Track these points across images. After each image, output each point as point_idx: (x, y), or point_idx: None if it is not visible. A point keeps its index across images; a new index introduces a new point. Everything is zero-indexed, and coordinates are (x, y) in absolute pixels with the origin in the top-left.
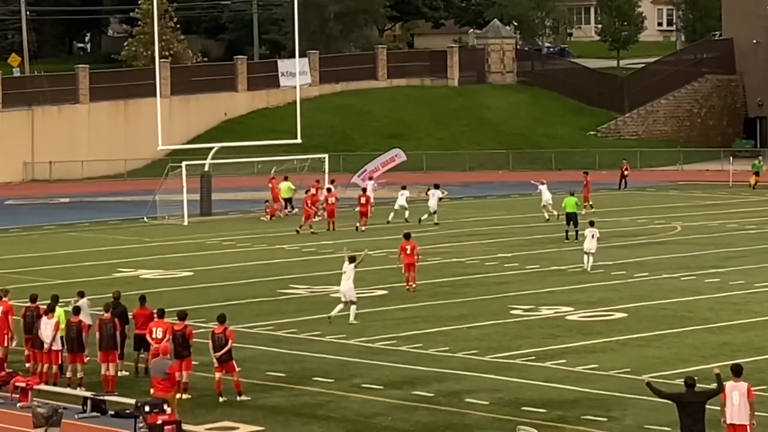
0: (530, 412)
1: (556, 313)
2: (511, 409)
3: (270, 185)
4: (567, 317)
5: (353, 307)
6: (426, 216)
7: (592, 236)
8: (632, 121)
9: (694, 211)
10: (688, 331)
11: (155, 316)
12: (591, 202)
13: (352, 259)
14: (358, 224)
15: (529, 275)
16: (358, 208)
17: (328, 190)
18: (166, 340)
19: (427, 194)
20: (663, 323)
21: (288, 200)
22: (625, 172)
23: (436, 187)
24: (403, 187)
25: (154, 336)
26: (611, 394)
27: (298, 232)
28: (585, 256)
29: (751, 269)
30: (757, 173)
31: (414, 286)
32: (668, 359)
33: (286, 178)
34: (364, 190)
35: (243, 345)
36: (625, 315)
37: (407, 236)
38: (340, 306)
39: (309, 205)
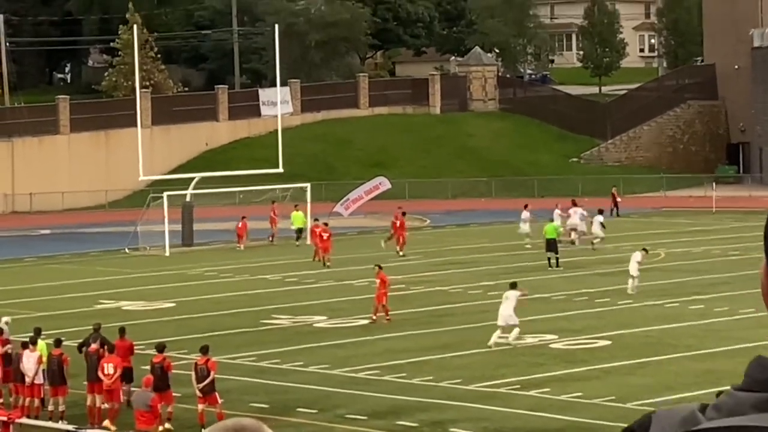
0: None
1: (540, 341)
2: None
3: (271, 214)
4: (551, 345)
5: (516, 330)
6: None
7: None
8: (615, 148)
9: (677, 238)
10: (671, 358)
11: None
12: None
13: (513, 285)
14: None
15: None
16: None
17: (316, 220)
18: (117, 377)
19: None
20: (647, 351)
21: (299, 230)
22: (618, 199)
23: (600, 212)
24: (600, 211)
25: (105, 372)
26: (596, 422)
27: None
28: (630, 280)
29: (735, 296)
30: None
31: (387, 316)
32: (652, 387)
33: (296, 207)
34: (326, 223)
35: (226, 376)
36: (608, 342)
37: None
38: (498, 332)
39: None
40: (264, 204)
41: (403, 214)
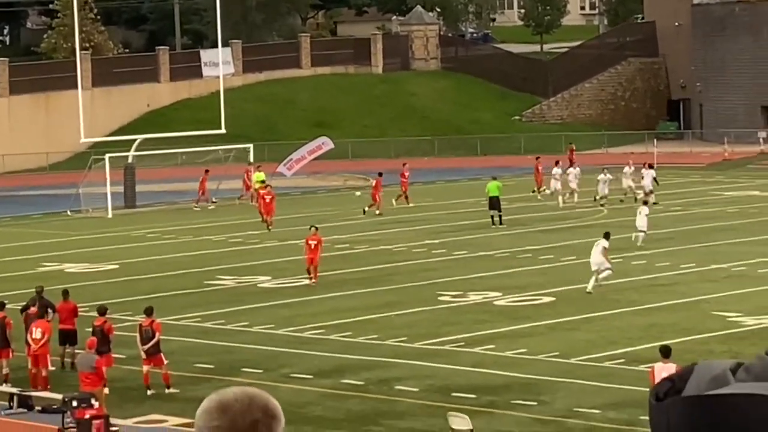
0: (460, 398)
1: (484, 298)
2: (442, 395)
3: (246, 174)
4: (495, 302)
5: (606, 272)
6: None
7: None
8: (556, 106)
9: (619, 194)
10: (615, 313)
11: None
12: (544, 187)
13: (607, 236)
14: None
15: (457, 261)
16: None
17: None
18: (44, 342)
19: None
20: (590, 306)
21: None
22: (573, 156)
23: (650, 166)
24: (650, 166)
25: (33, 336)
26: (541, 378)
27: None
28: (637, 234)
29: (677, 251)
30: None
31: (314, 280)
32: (596, 342)
33: (258, 167)
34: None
35: (171, 337)
36: (553, 299)
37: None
38: (593, 277)
39: None
40: (204, 165)
41: (380, 174)
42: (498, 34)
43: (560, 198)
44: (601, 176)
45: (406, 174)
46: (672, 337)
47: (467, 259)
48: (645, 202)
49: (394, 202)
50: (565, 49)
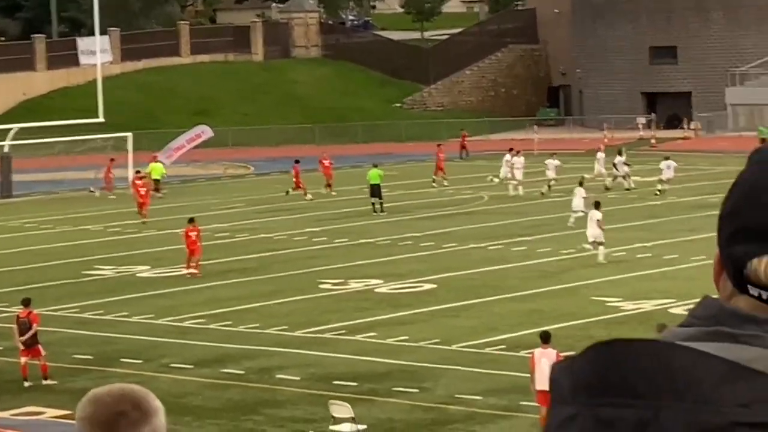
0: (342, 386)
1: (365, 286)
2: (323, 383)
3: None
4: (376, 290)
5: (601, 248)
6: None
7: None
8: (438, 93)
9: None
10: (496, 300)
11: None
12: (444, 175)
13: (597, 205)
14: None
15: (338, 249)
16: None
17: (137, 171)
18: None
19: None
20: (471, 293)
21: (157, 181)
22: (465, 142)
23: (619, 153)
24: (619, 152)
25: None
26: (422, 365)
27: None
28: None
29: (558, 236)
30: (763, 140)
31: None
32: (477, 328)
33: (155, 158)
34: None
35: (49, 328)
36: (434, 286)
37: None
38: (597, 250)
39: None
40: (85, 154)
41: (297, 162)
42: (379, 22)
43: (510, 186)
44: (550, 161)
45: (326, 162)
46: (552, 322)
47: (348, 247)
48: (580, 183)
49: (323, 190)
50: (446, 37)
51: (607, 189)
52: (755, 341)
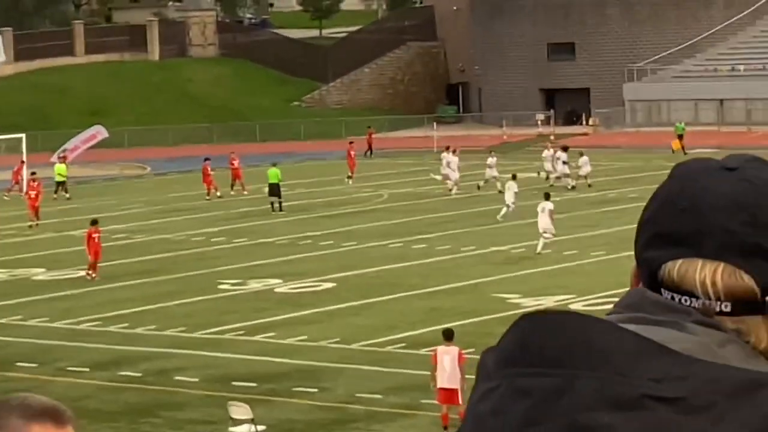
0: (241, 387)
1: (264, 286)
2: (222, 384)
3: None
4: (275, 290)
5: (542, 241)
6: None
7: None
8: (336, 91)
9: (400, 178)
10: (396, 298)
11: None
12: (352, 173)
13: (547, 197)
14: None
15: (237, 249)
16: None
17: (33, 173)
18: None
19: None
20: (371, 291)
21: (59, 183)
22: (372, 140)
23: (564, 149)
24: (564, 149)
25: None
26: (322, 364)
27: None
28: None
29: (458, 234)
30: (680, 136)
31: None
32: (377, 327)
33: (60, 159)
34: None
35: None
36: (333, 285)
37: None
38: (541, 240)
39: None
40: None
41: (206, 159)
42: (276, 20)
43: (498, 184)
44: (490, 159)
45: (235, 162)
46: (453, 320)
47: (247, 247)
48: (513, 177)
49: (231, 191)
50: (344, 34)
51: (572, 188)
52: (673, 326)
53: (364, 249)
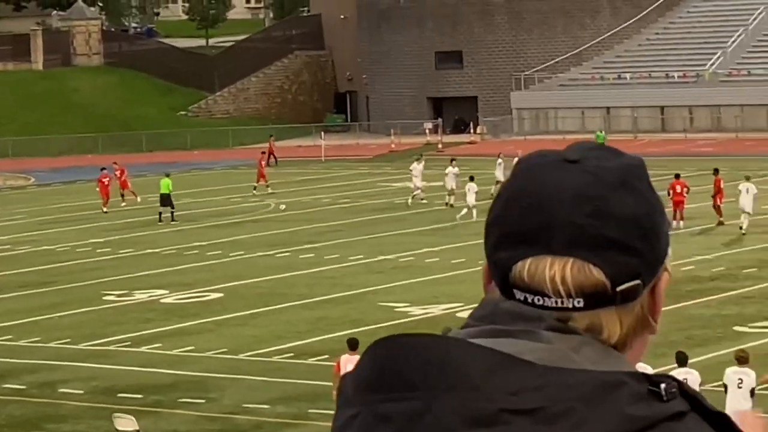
0: (127, 399)
1: (150, 296)
2: (107, 396)
3: None
4: (162, 300)
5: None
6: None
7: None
8: (223, 100)
9: (288, 188)
10: (284, 307)
11: None
12: (266, 182)
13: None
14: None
15: (123, 260)
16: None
17: None
18: None
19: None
20: (259, 301)
21: None
22: (273, 149)
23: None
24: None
25: None
26: (209, 375)
27: None
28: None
29: (346, 243)
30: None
31: None
32: (264, 337)
33: None
34: None
35: None
36: (221, 295)
37: None
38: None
39: None
40: None
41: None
42: (163, 29)
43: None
44: (450, 169)
45: (118, 173)
46: (341, 329)
47: (133, 258)
48: (471, 179)
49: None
50: (231, 43)
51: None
52: (527, 336)
53: (252, 259)
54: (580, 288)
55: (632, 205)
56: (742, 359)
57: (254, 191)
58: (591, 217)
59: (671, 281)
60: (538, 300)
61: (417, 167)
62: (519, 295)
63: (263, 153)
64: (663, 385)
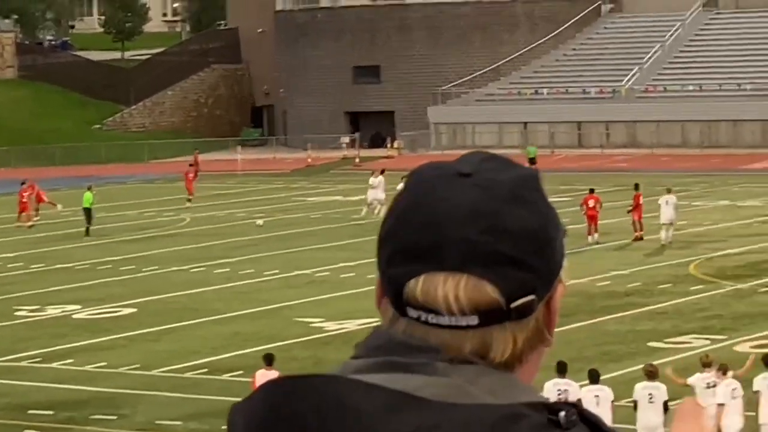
0: (38, 416)
1: (63, 312)
2: (18, 413)
3: None
4: (74, 316)
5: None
6: None
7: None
8: (139, 113)
9: (203, 202)
10: (198, 323)
11: None
12: (191, 196)
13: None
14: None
15: (35, 274)
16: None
17: None
18: None
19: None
20: (172, 317)
21: None
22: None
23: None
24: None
25: None
26: (121, 391)
27: None
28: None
29: (260, 258)
30: (532, 160)
31: None
32: (178, 352)
33: None
34: None
35: None
36: (134, 310)
37: None
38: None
39: None
40: None
41: (23, 183)
42: (78, 42)
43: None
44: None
45: (25, 195)
46: (255, 344)
47: (45, 272)
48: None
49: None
50: (147, 57)
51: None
52: (423, 369)
53: (166, 274)
54: (474, 306)
55: (526, 219)
56: (651, 374)
57: (188, 204)
58: (485, 233)
59: (583, 296)
60: (432, 318)
61: (375, 180)
62: (412, 312)
63: (191, 165)
64: (562, 414)
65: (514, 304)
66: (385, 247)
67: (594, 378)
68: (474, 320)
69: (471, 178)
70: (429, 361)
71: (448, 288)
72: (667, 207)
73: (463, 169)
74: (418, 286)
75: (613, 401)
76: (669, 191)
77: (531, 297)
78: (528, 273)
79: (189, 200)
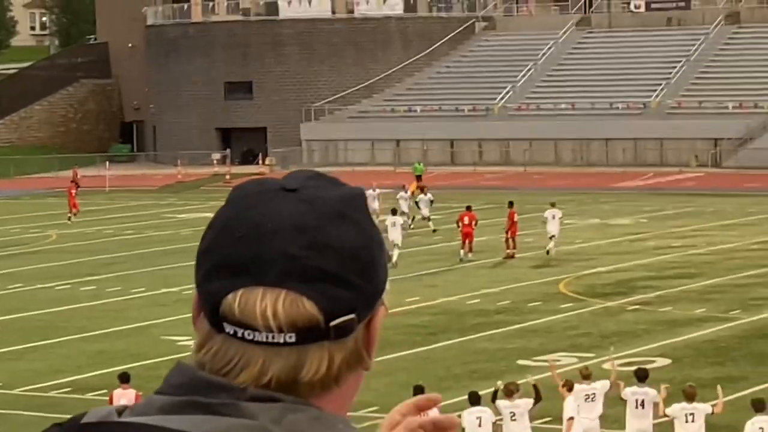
0: None
1: None
2: None
3: None
4: None
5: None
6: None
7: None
8: (5, 128)
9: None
10: (63, 341)
11: None
12: (75, 211)
13: (394, 212)
14: None
15: None
16: None
17: None
18: None
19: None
20: (36, 334)
21: None
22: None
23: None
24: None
25: None
26: None
27: None
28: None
29: (129, 275)
30: (419, 177)
31: None
32: (41, 371)
33: None
34: None
35: None
36: None
37: None
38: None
39: None
40: None
41: None
42: None
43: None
44: (422, 197)
45: None
46: (122, 362)
47: None
48: (393, 212)
49: None
50: (15, 70)
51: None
52: (228, 410)
53: (30, 291)
54: (292, 322)
55: (350, 237)
56: (509, 392)
57: (69, 221)
58: (307, 249)
59: (453, 314)
60: (249, 334)
61: (423, 198)
62: (229, 328)
63: (72, 182)
64: None
65: (333, 323)
66: (204, 261)
67: (474, 400)
68: (292, 338)
69: (296, 194)
70: (234, 401)
71: (266, 303)
72: (553, 221)
73: (288, 184)
74: (236, 300)
75: (494, 422)
76: (553, 205)
77: (351, 316)
78: (349, 291)
79: (72, 216)
